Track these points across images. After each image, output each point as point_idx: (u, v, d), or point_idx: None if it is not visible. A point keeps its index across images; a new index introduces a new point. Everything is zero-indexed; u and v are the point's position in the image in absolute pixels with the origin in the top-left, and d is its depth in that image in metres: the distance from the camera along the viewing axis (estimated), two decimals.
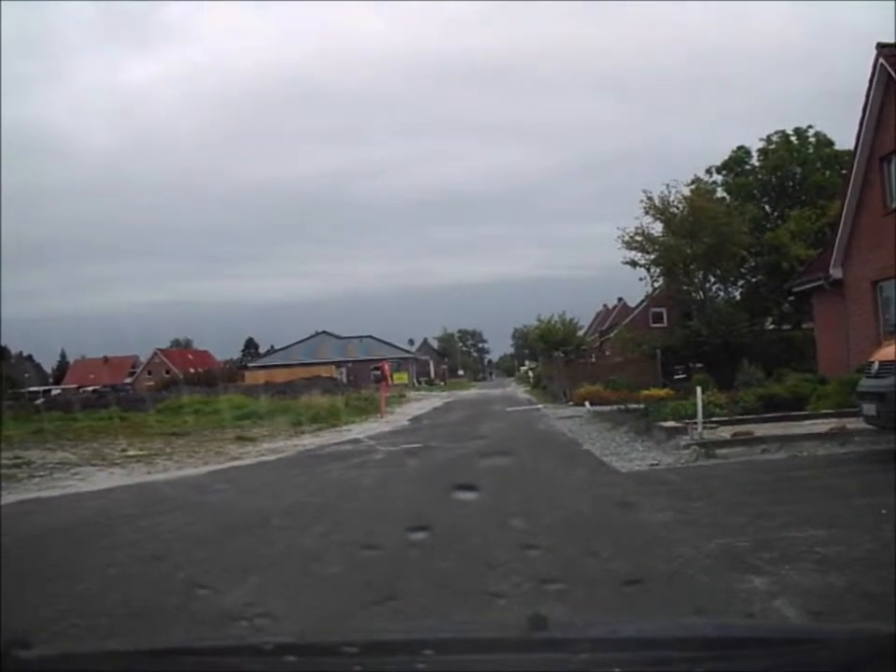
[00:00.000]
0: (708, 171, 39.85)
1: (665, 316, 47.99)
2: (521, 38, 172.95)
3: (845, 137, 32.70)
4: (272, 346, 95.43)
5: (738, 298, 37.98)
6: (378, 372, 46.57)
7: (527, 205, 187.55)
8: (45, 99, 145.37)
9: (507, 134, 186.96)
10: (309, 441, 22.21)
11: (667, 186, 34.40)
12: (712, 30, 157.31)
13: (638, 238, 34.33)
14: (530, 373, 73.06)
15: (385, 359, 57.54)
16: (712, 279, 36.47)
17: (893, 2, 17.51)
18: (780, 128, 38.90)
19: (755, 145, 39.38)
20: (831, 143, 37.67)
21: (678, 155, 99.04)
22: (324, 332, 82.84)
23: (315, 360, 72.18)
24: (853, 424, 13.20)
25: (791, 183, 38.54)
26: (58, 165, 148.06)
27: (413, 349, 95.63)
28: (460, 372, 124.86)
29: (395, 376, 59.45)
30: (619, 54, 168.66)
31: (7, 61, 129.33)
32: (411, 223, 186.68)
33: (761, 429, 14.45)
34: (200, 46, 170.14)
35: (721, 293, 37.50)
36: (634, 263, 34.92)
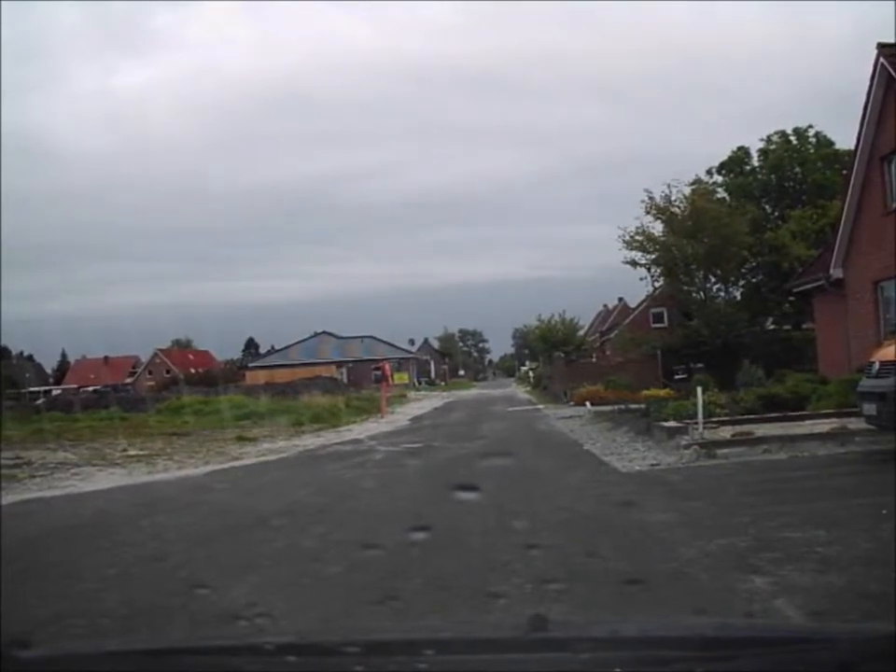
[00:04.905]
0: (709, 171, 39.90)
1: (665, 317, 47.95)
2: (513, 44, 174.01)
3: (843, 137, 32.83)
4: (272, 346, 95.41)
5: (739, 298, 37.98)
6: (379, 372, 46.52)
7: (523, 207, 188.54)
8: (41, 104, 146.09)
9: (500, 137, 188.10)
10: (309, 441, 22.21)
11: (668, 185, 34.44)
12: (701, 35, 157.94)
13: (639, 238, 34.35)
14: (531, 373, 73.04)
15: (385, 359, 57.50)
16: (713, 279, 36.45)
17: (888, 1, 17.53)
18: (779, 128, 39.02)
19: (755, 145, 39.47)
20: (831, 143, 37.65)
21: (673, 158, 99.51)
22: (324, 332, 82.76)
23: (315, 360, 72.14)
24: (854, 424, 13.20)
25: (791, 183, 38.51)
26: (56, 168, 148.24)
27: (414, 349, 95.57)
28: (461, 372, 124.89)
29: (395, 376, 59.38)
30: (608, 59, 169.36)
31: (3, 66, 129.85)
32: (409, 225, 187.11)
33: (761, 429, 14.44)
34: (191, 52, 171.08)
35: (722, 293, 37.53)
36: (634, 263, 34.95)
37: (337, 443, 21.17)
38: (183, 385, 49.89)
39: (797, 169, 38.01)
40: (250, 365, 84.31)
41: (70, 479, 15.51)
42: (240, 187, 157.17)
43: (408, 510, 9.45)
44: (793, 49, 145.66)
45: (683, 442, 13.86)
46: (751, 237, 34.43)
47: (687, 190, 35.42)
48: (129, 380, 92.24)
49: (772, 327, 38.71)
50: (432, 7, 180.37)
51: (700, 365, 31.89)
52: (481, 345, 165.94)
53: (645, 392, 27.77)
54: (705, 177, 39.32)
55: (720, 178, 39.96)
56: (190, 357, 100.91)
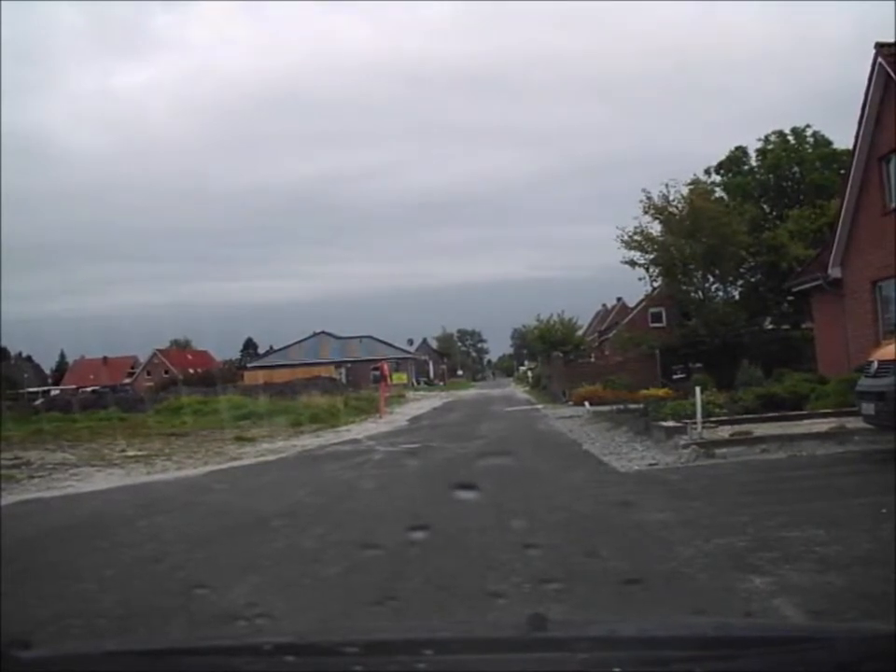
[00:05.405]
0: (707, 171, 39.95)
1: (664, 316, 47.99)
2: (513, 44, 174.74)
3: (842, 137, 32.84)
4: (271, 347, 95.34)
5: (737, 297, 37.96)
6: (377, 373, 46.49)
7: (523, 207, 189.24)
8: (41, 104, 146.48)
9: (500, 137, 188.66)
10: (308, 441, 22.20)
11: (667, 185, 34.45)
12: (701, 35, 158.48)
13: (637, 238, 34.36)
14: (529, 373, 73.04)
15: (384, 359, 57.47)
16: (711, 279, 36.46)
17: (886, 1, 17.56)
18: (779, 128, 39.04)
19: (753, 145, 39.49)
20: (828, 142, 37.69)
21: (673, 158, 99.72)
22: (323, 332, 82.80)
23: (314, 360, 72.17)
24: (852, 423, 13.19)
25: (789, 183, 38.53)
26: (56, 168, 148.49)
27: (413, 349, 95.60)
28: (459, 372, 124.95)
29: (394, 376, 59.37)
30: (607, 59, 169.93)
31: (3, 66, 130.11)
32: (409, 225, 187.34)
33: (760, 429, 14.44)
34: (191, 52, 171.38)
35: (720, 293, 37.51)
36: (633, 263, 34.97)
37: (336, 444, 21.16)
38: (181, 385, 49.81)
39: (795, 169, 38.03)
40: (249, 365, 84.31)
41: (69, 479, 15.50)
42: (240, 187, 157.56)
43: (407, 510, 9.46)
44: (793, 50, 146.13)
45: (682, 442, 13.86)
46: (750, 237, 34.44)
47: (685, 190, 35.48)
48: (127, 380, 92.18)
49: (770, 326, 38.72)
50: (432, 8, 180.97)
51: (699, 365, 31.89)
52: (479, 345, 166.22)
53: (644, 392, 27.77)
54: (703, 177, 39.40)
55: (718, 178, 40.01)
56: (189, 357, 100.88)
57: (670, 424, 15.63)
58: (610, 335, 54.82)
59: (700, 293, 36.09)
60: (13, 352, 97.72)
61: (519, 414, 30.67)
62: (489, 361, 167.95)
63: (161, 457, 18.60)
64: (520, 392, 57.00)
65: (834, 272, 22.52)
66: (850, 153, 22.36)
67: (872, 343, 17.51)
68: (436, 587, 6.05)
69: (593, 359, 52.81)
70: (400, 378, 68.31)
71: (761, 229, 36.16)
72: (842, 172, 27.76)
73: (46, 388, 74.23)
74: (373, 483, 12.95)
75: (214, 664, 1.88)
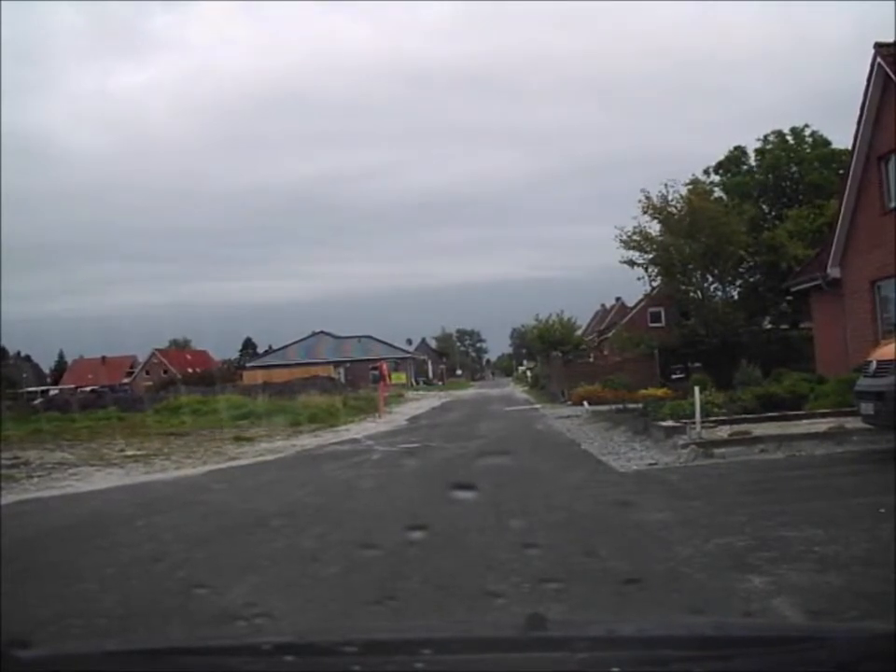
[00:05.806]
0: (706, 171, 39.92)
1: (662, 316, 48.00)
2: (513, 44, 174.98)
3: (841, 137, 32.85)
4: (270, 346, 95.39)
5: (736, 297, 37.91)
6: (376, 372, 46.53)
7: (523, 207, 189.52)
8: (41, 104, 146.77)
9: (500, 137, 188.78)
10: (307, 440, 22.19)
11: (666, 185, 34.44)
12: (700, 36, 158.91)
13: (636, 237, 34.34)
14: (528, 373, 73.08)
15: (383, 359, 57.46)
16: (710, 278, 36.42)
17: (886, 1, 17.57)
18: (776, 128, 39.04)
19: (752, 145, 39.49)
20: (827, 142, 37.68)
21: (673, 158, 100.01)
22: (322, 332, 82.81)
23: (313, 360, 72.16)
24: (851, 423, 13.20)
25: (788, 182, 38.51)
26: (56, 168, 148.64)
27: (412, 349, 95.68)
28: (458, 372, 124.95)
29: (393, 376, 59.36)
30: (607, 60, 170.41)
31: (3, 66, 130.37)
32: (409, 225, 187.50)
33: (759, 429, 14.44)
34: (190, 52, 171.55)
35: (719, 292, 37.44)
36: (632, 263, 34.92)
37: (334, 443, 21.16)
38: (180, 384, 49.79)
39: (794, 168, 38.01)
40: (248, 365, 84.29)
41: (68, 479, 15.49)
42: (240, 187, 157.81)
43: (406, 509, 9.46)
44: (793, 50, 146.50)
45: (681, 442, 13.86)
46: (749, 236, 34.41)
47: (684, 190, 35.45)
48: (126, 380, 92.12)
49: (769, 326, 38.70)
50: (432, 8, 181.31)
51: (698, 364, 31.89)
52: (478, 345, 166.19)
53: (643, 391, 27.79)
54: (702, 177, 39.38)
55: (717, 178, 39.99)
56: (188, 356, 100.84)
57: (669, 424, 15.62)
58: (609, 335, 54.82)
59: (699, 293, 36.05)
60: (12, 352, 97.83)
61: (518, 414, 30.67)
62: (488, 361, 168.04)
63: (160, 457, 18.59)
64: (519, 392, 57.00)
65: (833, 271, 22.52)
66: (849, 153, 22.37)
67: (871, 342, 17.50)
68: (435, 587, 6.05)
69: (592, 359, 52.82)
70: (399, 378, 68.30)
71: (760, 228, 36.13)
72: (841, 172, 27.76)
73: (45, 388, 74.12)
74: (372, 482, 12.94)
75: (214, 664, 1.88)
